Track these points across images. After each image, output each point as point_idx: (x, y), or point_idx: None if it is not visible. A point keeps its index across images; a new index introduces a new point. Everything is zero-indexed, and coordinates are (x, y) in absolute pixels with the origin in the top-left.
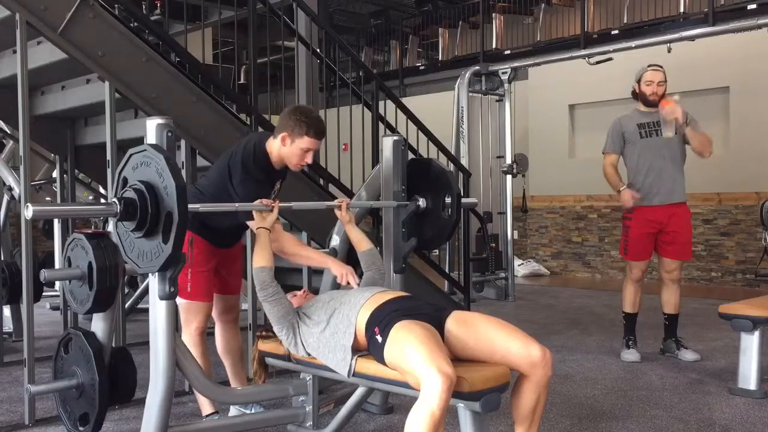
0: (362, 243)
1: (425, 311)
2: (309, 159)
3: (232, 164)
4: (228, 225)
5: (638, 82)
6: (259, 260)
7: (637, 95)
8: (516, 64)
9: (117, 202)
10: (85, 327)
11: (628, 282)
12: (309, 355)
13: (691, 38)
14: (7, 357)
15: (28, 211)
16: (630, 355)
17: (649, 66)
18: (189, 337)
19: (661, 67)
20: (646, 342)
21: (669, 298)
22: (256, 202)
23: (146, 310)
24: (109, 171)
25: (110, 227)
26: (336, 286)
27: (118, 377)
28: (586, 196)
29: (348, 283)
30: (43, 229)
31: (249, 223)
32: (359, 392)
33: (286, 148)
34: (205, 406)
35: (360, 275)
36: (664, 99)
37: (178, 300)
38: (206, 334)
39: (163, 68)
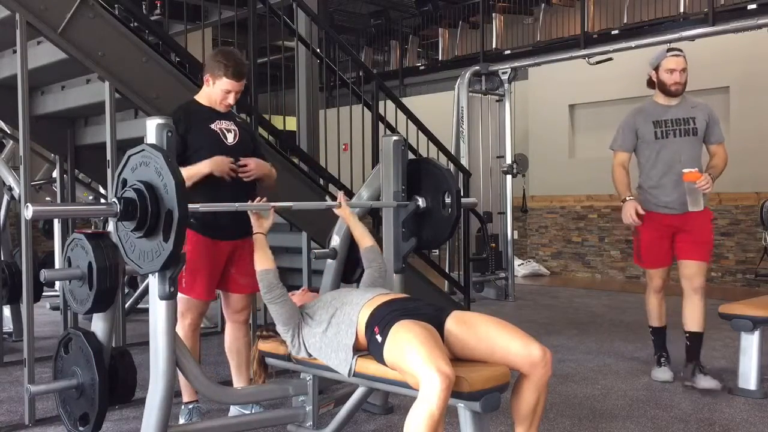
0: (365, 239)
1: (425, 311)
2: (231, 100)
3: None
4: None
5: (656, 69)
6: (262, 263)
7: (654, 84)
8: (516, 64)
9: (117, 202)
10: (85, 327)
11: (649, 293)
12: (310, 356)
13: (691, 38)
14: (7, 357)
15: (28, 211)
16: (661, 373)
17: (668, 51)
18: (182, 330)
19: (682, 51)
20: (646, 342)
21: (692, 313)
22: (258, 202)
23: (146, 310)
24: (109, 171)
25: (110, 227)
26: (336, 286)
27: (118, 377)
28: (586, 196)
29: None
30: (43, 229)
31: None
32: (359, 392)
33: (209, 88)
34: (186, 393)
35: (361, 274)
36: (689, 172)
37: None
38: (199, 331)
39: (163, 68)
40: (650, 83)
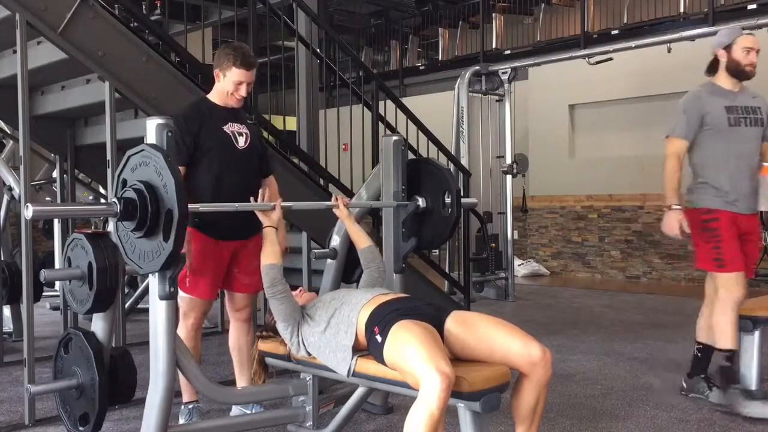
0: (362, 240)
1: (425, 311)
2: (242, 92)
3: None
4: (227, 215)
5: (727, 48)
6: (269, 257)
7: (716, 67)
8: (516, 64)
9: (117, 202)
10: (85, 327)
11: (725, 307)
12: (309, 355)
13: (691, 38)
14: (7, 357)
15: (28, 211)
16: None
17: (744, 30)
18: (185, 330)
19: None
20: (646, 342)
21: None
22: (262, 201)
23: (146, 310)
24: (109, 171)
25: (110, 227)
26: (336, 286)
27: (118, 377)
28: (586, 196)
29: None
30: (43, 229)
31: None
32: (359, 392)
33: (220, 83)
34: (186, 393)
35: (360, 273)
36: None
37: (180, 292)
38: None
39: (163, 68)
40: (712, 66)
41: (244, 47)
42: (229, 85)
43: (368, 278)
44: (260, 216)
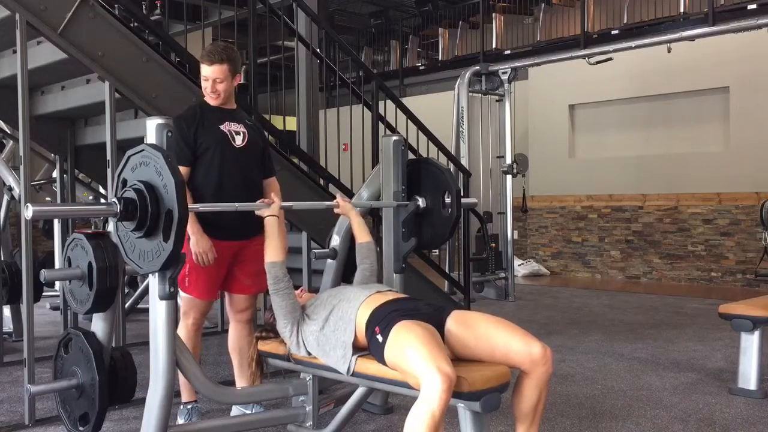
0: (362, 235)
1: (425, 311)
2: (210, 89)
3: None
4: (228, 215)
5: None
6: (272, 254)
7: None
8: (516, 64)
9: (117, 202)
10: (85, 327)
11: None
12: (309, 354)
13: (691, 38)
14: (7, 357)
15: (28, 211)
16: None
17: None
18: (185, 330)
19: None
20: (646, 342)
21: None
22: (258, 202)
23: (146, 310)
24: (109, 171)
25: (110, 227)
26: (336, 285)
27: (118, 377)
28: (586, 196)
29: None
30: (43, 229)
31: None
32: (359, 392)
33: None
34: (185, 393)
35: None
36: None
37: (180, 292)
38: (202, 331)
39: (163, 68)
40: None
41: (215, 44)
42: (202, 82)
43: (360, 277)
44: (261, 210)
